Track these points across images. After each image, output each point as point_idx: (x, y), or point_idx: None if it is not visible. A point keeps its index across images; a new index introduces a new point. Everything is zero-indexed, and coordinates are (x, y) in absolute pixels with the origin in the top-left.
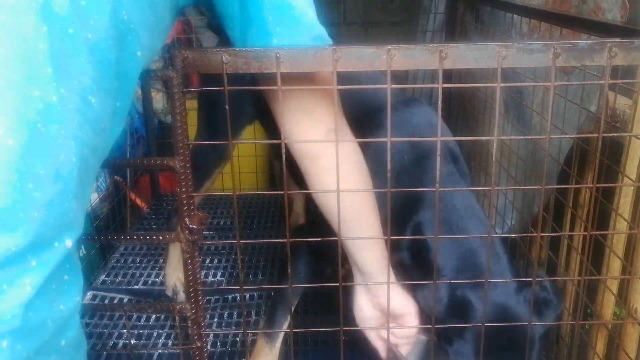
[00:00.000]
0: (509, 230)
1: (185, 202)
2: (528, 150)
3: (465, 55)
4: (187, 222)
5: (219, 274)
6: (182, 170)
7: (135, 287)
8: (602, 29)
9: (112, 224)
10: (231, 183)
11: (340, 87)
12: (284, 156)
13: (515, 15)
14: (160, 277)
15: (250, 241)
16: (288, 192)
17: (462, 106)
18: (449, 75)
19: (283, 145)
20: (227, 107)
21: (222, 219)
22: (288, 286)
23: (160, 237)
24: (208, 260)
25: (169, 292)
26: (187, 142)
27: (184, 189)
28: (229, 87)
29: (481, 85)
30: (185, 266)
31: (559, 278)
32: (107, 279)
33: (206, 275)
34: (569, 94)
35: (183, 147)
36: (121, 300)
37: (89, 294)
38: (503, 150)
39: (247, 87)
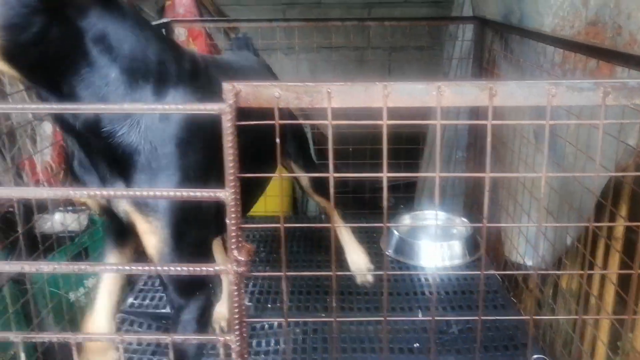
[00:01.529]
0: (540, 262)
1: (234, 234)
2: (560, 180)
3: (515, 92)
4: (236, 254)
5: (246, 299)
6: (232, 202)
7: (163, 310)
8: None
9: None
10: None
11: (390, 122)
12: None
13: (547, 46)
14: None
15: (296, 273)
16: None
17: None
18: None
19: (332, 179)
20: (277, 140)
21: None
22: (333, 319)
23: (209, 268)
24: None
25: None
26: (238, 175)
27: (233, 221)
28: (280, 122)
29: (531, 122)
30: (232, 298)
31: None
32: (134, 301)
33: None
34: (605, 125)
35: (234, 180)
36: (150, 325)
37: (118, 317)
38: (534, 180)
39: (298, 122)
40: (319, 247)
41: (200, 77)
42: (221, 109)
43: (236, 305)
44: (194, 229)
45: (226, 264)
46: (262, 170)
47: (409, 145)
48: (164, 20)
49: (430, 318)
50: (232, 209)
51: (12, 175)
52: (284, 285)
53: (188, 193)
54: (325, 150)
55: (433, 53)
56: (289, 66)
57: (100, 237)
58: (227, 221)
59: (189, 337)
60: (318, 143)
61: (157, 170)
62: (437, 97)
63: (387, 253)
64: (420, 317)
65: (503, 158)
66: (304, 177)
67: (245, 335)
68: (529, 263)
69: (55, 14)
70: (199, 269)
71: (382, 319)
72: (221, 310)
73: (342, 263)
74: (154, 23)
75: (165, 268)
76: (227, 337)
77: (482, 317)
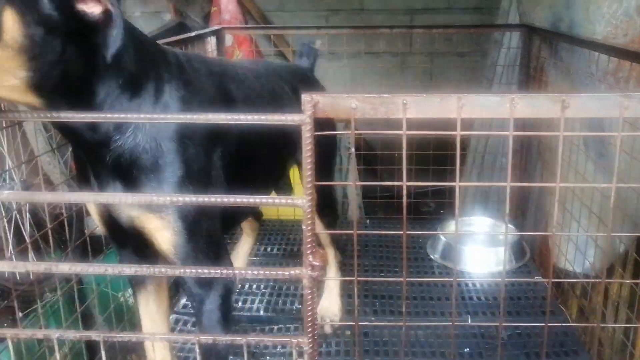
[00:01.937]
0: (588, 268)
1: (309, 240)
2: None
3: (588, 104)
4: (311, 259)
5: (257, 300)
6: (308, 209)
7: None
8: None
9: None
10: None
11: (463, 132)
12: (405, 195)
13: (600, 54)
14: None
15: (368, 279)
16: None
17: (536, 139)
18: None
19: (405, 187)
20: (353, 150)
21: (269, 245)
22: (402, 324)
23: (284, 273)
24: (247, 286)
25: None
26: (316, 183)
27: (309, 228)
28: (356, 132)
29: (607, 134)
30: (306, 302)
31: None
32: (187, 302)
33: (244, 302)
34: None
35: (311, 188)
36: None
37: (172, 318)
38: (585, 187)
39: (377, 132)
40: (365, 252)
41: (186, 71)
42: (301, 119)
43: (310, 308)
44: (205, 219)
45: (301, 269)
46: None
47: (453, 152)
48: (216, 27)
49: (498, 324)
50: (309, 216)
51: (67, 178)
52: (356, 290)
53: (266, 200)
54: (366, 156)
55: (474, 59)
56: (331, 72)
57: None
58: (303, 227)
59: (263, 339)
60: (358, 148)
61: (164, 166)
62: (510, 109)
63: (433, 257)
64: (485, 322)
65: (550, 165)
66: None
67: (316, 337)
68: (578, 270)
69: (72, 34)
70: (274, 273)
71: (450, 324)
72: (325, 304)
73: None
74: (206, 30)
75: (244, 272)
76: (300, 339)
77: (549, 324)
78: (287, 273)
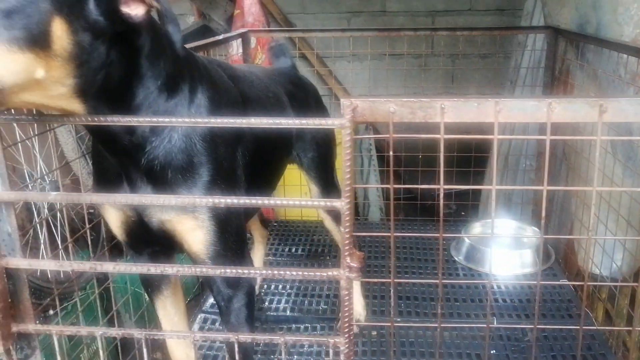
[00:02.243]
0: (615, 272)
1: (347, 241)
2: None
3: (626, 109)
4: (348, 261)
5: (283, 300)
6: (347, 211)
7: None
8: None
9: None
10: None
11: (500, 137)
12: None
13: (629, 57)
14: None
15: (404, 280)
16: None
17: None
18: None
19: (442, 190)
20: (391, 153)
21: (293, 246)
22: (437, 325)
23: (322, 274)
24: (273, 286)
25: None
26: (354, 186)
27: (347, 230)
28: (394, 135)
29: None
30: (344, 302)
31: None
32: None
33: (271, 302)
34: None
35: (350, 190)
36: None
37: (200, 316)
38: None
39: (414, 135)
40: (388, 253)
41: (211, 72)
42: (341, 124)
43: (347, 309)
44: (234, 217)
45: (339, 270)
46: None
47: (477, 154)
48: (242, 30)
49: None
50: (347, 218)
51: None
52: (393, 292)
53: (306, 202)
54: (386, 157)
55: (497, 60)
56: (352, 74)
57: None
58: (342, 229)
59: (301, 338)
60: (380, 150)
61: (198, 165)
62: (547, 113)
63: (457, 259)
64: (517, 324)
65: (577, 167)
66: (313, 190)
67: (352, 338)
68: (605, 273)
69: (116, 38)
70: (312, 273)
71: (484, 325)
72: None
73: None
74: (233, 33)
75: (284, 272)
76: (337, 339)
77: (584, 327)
78: (325, 274)
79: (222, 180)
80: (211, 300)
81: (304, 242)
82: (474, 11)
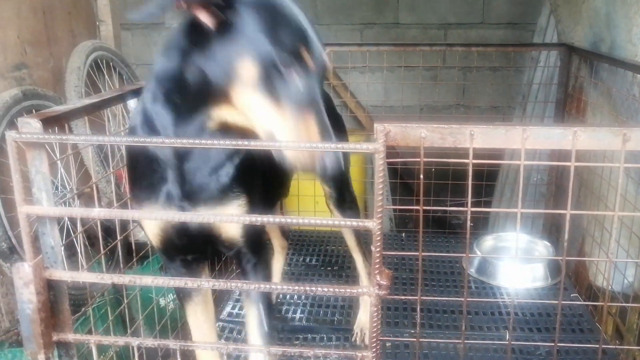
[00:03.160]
0: (627, 288)
1: (377, 260)
2: None
3: None
4: (378, 279)
5: (299, 310)
6: (378, 231)
7: None
8: None
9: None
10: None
11: (527, 162)
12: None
13: None
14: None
15: (430, 297)
16: None
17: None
18: None
19: (469, 213)
20: (422, 176)
21: (307, 256)
22: (461, 341)
23: (352, 290)
24: (288, 296)
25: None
26: (385, 207)
27: (377, 249)
28: (425, 159)
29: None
30: (372, 318)
31: None
32: (232, 311)
33: (286, 312)
34: None
35: (381, 212)
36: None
37: (218, 325)
38: (626, 207)
39: (443, 160)
40: (402, 266)
41: None
42: (375, 148)
43: (375, 325)
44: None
45: (369, 287)
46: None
47: (489, 168)
48: None
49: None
50: (378, 237)
51: (113, 185)
52: (419, 308)
53: (338, 222)
54: (415, 183)
55: (507, 74)
56: (364, 86)
57: None
58: (372, 248)
59: (330, 352)
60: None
61: (251, 176)
62: (572, 141)
63: (469, 272)
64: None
65: (589, 183)
66: (328, 193)
67: (379, 352)
68: (617, 289)
69: None
70: (343, 290)
71: (507, 342)
72: (364, 318)
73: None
74: None
75: (315, 288)
76: (365, 353)
77: (603, 346)
78: (355, 291)
79: (258, 187)
80: (228, 309)
81: (318, 252)
82: (487, 24)
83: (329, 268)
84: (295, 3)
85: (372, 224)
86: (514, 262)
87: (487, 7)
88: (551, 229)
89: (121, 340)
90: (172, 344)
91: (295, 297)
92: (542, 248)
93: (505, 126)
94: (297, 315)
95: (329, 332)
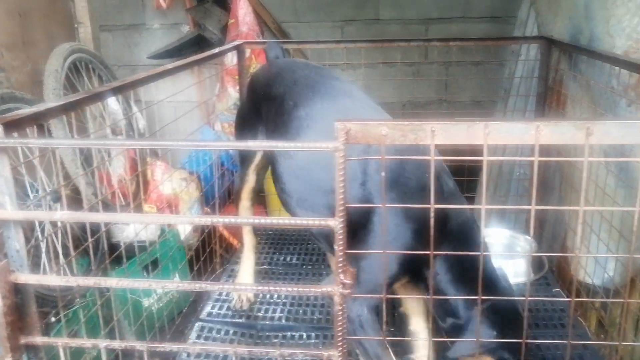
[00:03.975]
0: (608, 281)
1: (341, 259)
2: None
3: (611, 131)
4: (342, 277)
5: (278, 309)
6: (340, 230)
7: (239, 320)
8: None
9: (201, 256)
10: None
11: (490, 158)
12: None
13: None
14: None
15: (394, 295)
16: None
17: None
18: None
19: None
20: (383, 174)
21: (288, 255)
22: (428, 339)
23: (316, 290)
24: (268, 295)
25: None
26: (348, 205)
27: (341, 247)
28: (387, 157)
29: (630, 159)
30: (337, 317)
31: None
32: (212, 310)
33: (266, 311)
34: None
35: (343, 210)
36: (227, 331)
37: (197, 325)
38: (605, 201)
39: (405, 157)
40: None
41: None
42: (335, 147)
43: (340, 323)
44: None
45: (332, 286)
46: None
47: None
48: (237, 42)
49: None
50: (340, 236)
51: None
52: (384, 307)
53: (300, 221)
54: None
55: (490, 68)
56: None
57: (171, 247)
58: (335, 247)
59: (296, 351)
60: None
61: None
62: (535, 135)
63: None
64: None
65: (570, 177)
66: None
67: (346, 351)
68: (597, 283)
69: None
70: (306, 289)
71: (474, 340)
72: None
73: None
74: (229, 46)
75: (278, 288)
76: (331, 352)
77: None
78: (319, 290)
79: None
80: (208, 308)
81: (299, 252)
82: (468, 18)
83: (310, 267)
84: None
85: (334, 223)
86: (497, 258)
87: (468, 1)
88: (535, 224)
89: (88, 343)
90: (138, 345)
91: (275, 296)
92: (524, 243)
93: (467, 122)
94: (277, 315)
95: (309, 330)
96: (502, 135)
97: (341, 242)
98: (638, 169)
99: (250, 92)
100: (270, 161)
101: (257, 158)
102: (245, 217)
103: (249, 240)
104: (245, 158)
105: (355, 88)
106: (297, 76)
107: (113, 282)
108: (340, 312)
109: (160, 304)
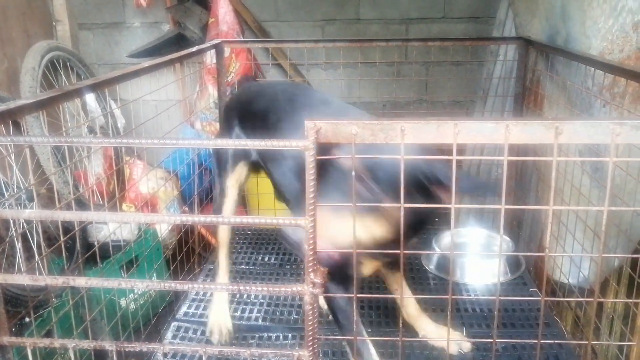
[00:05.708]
0: (583, 281)
1: (311, 258)
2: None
3: (580, 131)
4: (312, 277)
5: (255, 310)
6: (310, 229)
7: None
8: None
9: (178, 255)
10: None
11: (459, 157)
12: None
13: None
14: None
15: (366, 295)
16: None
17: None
18: None
19: (402, 209)
20: (353, 173)
21: (266, 255)
22: (399, 339)
23: (286, 289)
24: (245, 296)
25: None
26: (318, 204)
27: (310, 247)
28: (357, 156)
29: (600, 159)
30: (307, 317)
31: None
32: (188, 310)
33: (243, 311)
34: None
35: (313, 209)
36: (203, 332)
37: (173, 325)
38: (580, 200)
39: (375, 157)
40: None
41: None
42: (305, 145)
43: (311, 324)
44: None
45: (303, 285)
46: None
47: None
48: (216, 41)
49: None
50: (310, 235)
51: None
52: (355, 306)
53: (271, 221)
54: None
55: (470, 68)
56: (327, 83)
57: (149, 247)
58: (305, 246)
59: (267, 351)
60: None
61: None
62: (505, 135)
63: (428, 269)
64: (479, 338)
65: (547, 176)
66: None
67: (317, 351)
68: (573, 282)
69: None
70: (276, 289)
71: (446, 339)
72: (215, 318)
73: None
74: (207, 45)
75: (248, 288)
76: (301, 352)
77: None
78: (290, 289)
79: None
80: (184, 308)
81: (277, 251)
82: (448, 19)
83: (288, 267)
84: None
85: (304, 222)
86: (474, 258)
87: (449, 1)
88: (512, 224)
89: (57, 343)
90: (107, 345)
91: (252, 296)
92: (501, 242)
93: (437, 121)
94: (254, 315)
95: (285, 330)
96: (471, 135)
97: (311, 242)
98: (608, 177)
99: (229, 117)
100: (266, 167)
101: (238, 170)
102: (225, 216)
103: (225, 235)
104: (222, 170)
105: (333, 97)
106: (277, 91)
107: (82, 281)
108: (311, 312)
109: (138, 304)
